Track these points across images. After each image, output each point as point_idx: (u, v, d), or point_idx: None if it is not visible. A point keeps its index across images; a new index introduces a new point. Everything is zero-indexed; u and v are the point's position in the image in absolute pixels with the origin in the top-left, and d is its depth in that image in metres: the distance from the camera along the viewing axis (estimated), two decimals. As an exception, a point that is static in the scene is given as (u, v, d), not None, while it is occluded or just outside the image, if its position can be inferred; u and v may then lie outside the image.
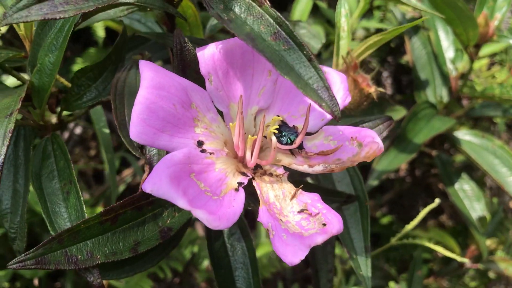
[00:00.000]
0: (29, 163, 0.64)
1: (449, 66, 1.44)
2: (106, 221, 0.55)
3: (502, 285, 2.03)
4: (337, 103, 0.45)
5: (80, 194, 0.57)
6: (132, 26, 0.87)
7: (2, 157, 0.49)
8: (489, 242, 1.48)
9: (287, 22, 0.47)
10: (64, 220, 0.57)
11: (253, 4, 0.49)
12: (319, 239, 0.48)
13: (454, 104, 1.41)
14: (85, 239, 0.53)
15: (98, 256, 0.53)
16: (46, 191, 0.58)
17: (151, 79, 0.53)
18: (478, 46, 1.23)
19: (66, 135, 1.65)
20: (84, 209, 0.57)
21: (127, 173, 1.60)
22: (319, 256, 0.78)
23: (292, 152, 0.57)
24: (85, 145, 1.86)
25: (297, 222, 0.52)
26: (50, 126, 0.66)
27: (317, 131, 0.58)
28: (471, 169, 1.59)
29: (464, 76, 1.34)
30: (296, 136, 0.56)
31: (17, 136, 0.66)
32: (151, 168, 0.59)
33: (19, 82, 0.69)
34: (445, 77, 1.43)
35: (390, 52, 1.79)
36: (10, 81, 0.99)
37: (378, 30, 1.51)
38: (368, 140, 0.54)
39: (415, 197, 2.00)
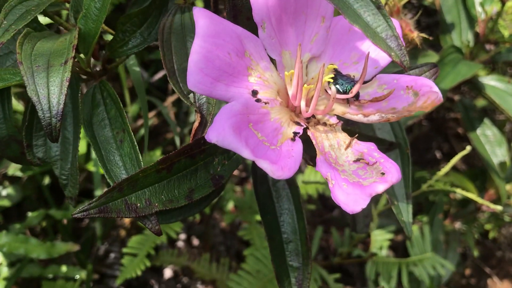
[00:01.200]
0: (77, 110, 0.64)
1: (478, 8, 1.40)
2: (162, 170, 0.55)
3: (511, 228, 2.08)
4: (406, 53, 0.45)
5: (135, 142, 0.58)
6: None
7: (61, 106, 0.49)
8: (508, 187, 1.50)
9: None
10: (120, 169, 0.57)
11: None
12: (380, 188, 0.48)
13: (480, 48, 1.39)
14: (143, 187, 0.54)
15: (156, 204, 0.54)
16: (99, 139, 0.59)
17: (207, 27, 0.52)
18: (511, -13, 1.19)
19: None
20: (140, 157, 0.57)
21: (150, 115, 1.60)
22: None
23: (347, 101, 0.56)
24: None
25: (354, 171, 0.52)
26: (96, 73, 0.65)
27: (370, 80, 0.58)
28: (492, 113, 1.58)
29: (492, 20, 1.31)
30: (353, 85, 0.55)
31: (62, 83, 0.65)
32: (202, 116, 0.59)
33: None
34: (472, 20, 1.40)
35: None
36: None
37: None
38: (425, 90, 0.54)
39: (430, 141, 2.00)
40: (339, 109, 0.57)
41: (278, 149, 0.51)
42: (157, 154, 1.33)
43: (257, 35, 0.56)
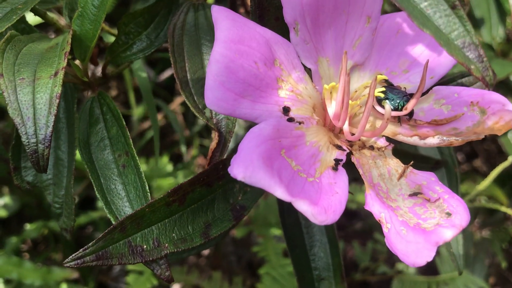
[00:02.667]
0: (73, 126, 0.54)
1: (511, 2, 1.30)
2: (174, 202, 0.46)
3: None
4: (489, 66, 0.34)
5: (141, 168, 0.48)
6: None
7: (50, 129, 0.40)
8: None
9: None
10: (122, 200, 0.47)
11: None
12: (448, 235, 0.38)
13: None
14: (150, 224, 0.45)
15: (166, 245, 0.45)
16: (98, 163, 0.49)
17: (228, 30, 0.42)
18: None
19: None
20: (147, 187, 0.47)
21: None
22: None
23: (398, 119, 0.46)
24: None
25: (410, 209, 0.42)
26: (94, 82, 0.55)
27: (425, 92, 0.48)
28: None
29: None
30: (407, 101, 0.45)
31: (56, 94, 0.55)
32: (220, 135, 0.49)
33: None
34: (503, 15, 1.29)
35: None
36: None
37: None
38: (496, 108, 0.43)
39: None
40: (389, 129, 0.47)
41: (317, 181, 0.41)
42: (164, 161, 1.23)
43: (288, 39, 0.46)
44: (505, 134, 1.36)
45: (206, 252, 1.50)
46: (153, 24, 0.55)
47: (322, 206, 0.38)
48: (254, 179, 0.36)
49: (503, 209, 0.83)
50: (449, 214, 0.40)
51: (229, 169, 0.37)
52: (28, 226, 1.12)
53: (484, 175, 1.81)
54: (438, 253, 1.19)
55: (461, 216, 0.40)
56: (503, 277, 1.85)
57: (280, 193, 0.36)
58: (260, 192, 0.51)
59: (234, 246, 1.52)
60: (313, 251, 0.57)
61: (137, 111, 1.34)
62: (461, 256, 0.59)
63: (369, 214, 0.41)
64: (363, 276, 1.15)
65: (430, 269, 1.46)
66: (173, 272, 1.10)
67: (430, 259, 0.37)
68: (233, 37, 0.42)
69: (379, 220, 0.40)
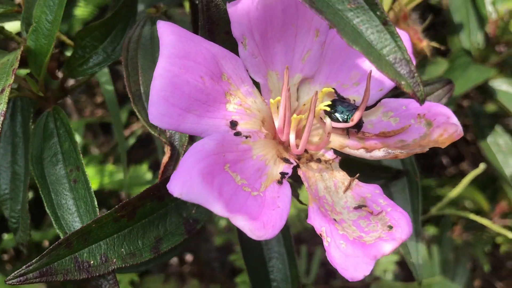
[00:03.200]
0: (29, 141, 0.54)
1: (488, 8, 1.31)
2: (122, 217, 0.46)
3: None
4: (420, 82, 0.35)
5: (90, 183, 0.48)
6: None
7: (-7, 147, 0.40)
8: (521, 199, 1.40)
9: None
10: (72, 215, 0.47)
11: None
12: (387, 248, 0.38)
13: (490, 51, 1.29)
14: (97, 240, 0.45)
15: (114, 260, 0.45)
16: (50, 178, 0.49)
17: (173, 45, 0.42)
18: (526, -14, 1.09)
19: (71, 81, 1.55)
20: (95, 202, 0.47)
21: (138, 125, 1.50)
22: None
23: (347, 132, 0.46)
24: (91, 92, 1.76)
25: (354, 222, 0.42)
26: (51, 97, 0.55)
27: (374, 105, 0.48)
28: (503, 118, 1.49)
29: (504, 20, 1.21)
30: (354, 112, 0.45)
31: (13, 109, 0.56)
32: (173, 148, 0.49)
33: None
34: (482, 20, 1.30)
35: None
36: None
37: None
38: (441, 120, 0.44)
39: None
40: (337, 141, 0.47)
41: (261, 195, 0.41)
42: (144, 169, 1.23)
43: (237, 53, 0.46)
44: (485, 138, 1.37)
45: (190, 258, 1.50)
46: (109, 37, 0.55)
47: (262, 221, 0.38)
48: (191, 196, 0.36)
49: (472, 216, 0.83)
50: (390, 227, 0.40)
51: (167, 185, 0.37)
52: (6, 236, 1.12)
53: (477, 183, 1.82)
54: (419, 283, 1.19)
55: (402, 229, 0.40)
56: (488, 280, 1.86)
57: (218, 209, 0.37)
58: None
59: (217, 252, 1.52)
60: (271, 262, 0.57)
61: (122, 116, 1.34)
62: (420, 265, 0.59)
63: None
64: (342, 282, 1.15)
65: (408, 275, 1.46)
66: (149, 281, 1.10)
67: (367, 272, 0.38)
68: (178, 52, 0.42)
69: (320, 234, 0.40)
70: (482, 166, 0.88)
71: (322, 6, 0.36)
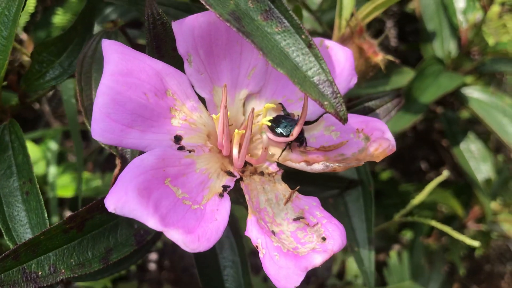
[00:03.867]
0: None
1: (459, 17, 1.33)
2: (71, 229, 0.47)
3: (500, 240, 2.01)
4: (342, 102, 0.36)
5: (41, 196, 0.49)
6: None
7: None
8: (493, 204, 1.43)
9: (280, -2, 0.37)
10: (24, 227, 0.49)
11: (239, -28, 0.39)
12: (318, 260, 0.40)
13: (463, 58, 1.32)
14: (47, 251, 0.46)
15: (63, 270, 0.46)
16: (3, 191, 0.50)
17: (116, 63, 0.43)
18: (493, -4, 1.11)
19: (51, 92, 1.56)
20: (46, 214, 0.49)
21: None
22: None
23: (289, 145, 0.48)
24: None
25: (292, 233, 0.44)
26: (9, 109, 0.57)
27: (316, 120, 0.50)
28: (477, 125, 1.52)
29: (475, 28, 1.24)
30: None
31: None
32: (124, 161, 0.51)
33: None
34: (454, 29, 1.33)
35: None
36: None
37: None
38: (377, 135, 0.46)
39: (416, 151, 1.93)
40: (282, 155, 0.49)
41: (201, 208, 0.43)
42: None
43: (184, 70, 0.48)
44: (458, 145, 1.40)
45: (168, 263, 1.51)
46: (66, 52, 0.57)
47: (197, 235, 0.40)
48: (125, 211, 0.38)
49: (433, 223, 0.85)
50: (324, 239, 0.42)
51: (104, 200, 0.39)
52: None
53: (451, 183, 1.85)
54: (386, 265, 1.21)
55: (334, 241, 0.42)
56: (466, 285, 1.89)
57: (152, 223, 0.38)
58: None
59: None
60: (226, 271, 0.59)
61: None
62: (372, 273, 0.61)
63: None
64: (314, 288, 1.17)
65: (381, 278, 1.48)
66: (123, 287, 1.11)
67: (297, 284, 0.39)
68: (120, 70, 0.43)
69: (256, 246, 0.41)
70: (445, 173, 0.90)
71: (252, 29, 0.37)
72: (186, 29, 0.47)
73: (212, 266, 0.58)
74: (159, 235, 0.54)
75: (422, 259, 1.32)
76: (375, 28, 0.70)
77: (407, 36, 1.80)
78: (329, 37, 0.71)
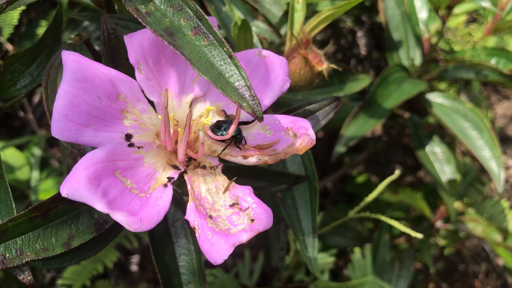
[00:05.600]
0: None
1: (422, 27, 1.41)
2: (36, 217, 0.54)
3: (475, 240, 2.08)
4: (258, 103, 0.44)
5: (9, 189, 0.56)
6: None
7: None
8: (458, 204, 1.50)
9: (206, 17, 0.44)
10: (-6, 216, 0.55)
11: (173, -6, 0.46)
12: (244, 237, 0.47)
13: (426, 66, 1.39)
14: (14, 236, 0.52)
15: (28, 253, 0.53)
16: (-25, 185, 0.57)
17: (73, 71, 0.50)
18: (450, 8, 1.19)
19: (36, 98, 1.62)
20: (14, 205, 0.55)
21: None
22: (271, 234, 0.78)
23: (227, 143, 0.55)
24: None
25: (228, 217, 0.51)
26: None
27: (253, 120, 0.57)
28: (444, 130, 1.58)
29: (437, 37, 1.31)
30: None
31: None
32: (85, 159, 0.57)
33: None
34: (418, 38, 1.40)
35: (365, 10, 1.74)
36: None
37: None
38: (302, 132, 0.53)
39: (391, 155, 2.00)
40: (221, 151, 0.56)
41: (147, 196, 0.50)
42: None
43: (135, 76, 0.55)
44: (423, 148, 1.47)
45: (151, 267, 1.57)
46: (35, 63, 0.64)
47: (139, 217, 0.46)
48: (76, 196, 0.45)
49: (383, 218, 0.91)
50: (252, 220, 0.49)
51: (60, 187, 0.45)
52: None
53: (427, 184, 1.92)
54: (350, 261, 1.28)
55: (261, 221, 0.49)
56: (439, 284, 1.95)
57: (99, 207, 0.45)
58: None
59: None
60: (181, 258, 0.65)
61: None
62: (315, 258, 0.68)
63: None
64: (283, 284, 1.23)
65: (344, 275, 1.55)
66: (99, 285, 1.17)
67: (226, 257, 0.46)
68: (77, 77, 0.50)
69: (193, 227, 0.48)
70: (397, 172, 0.96)
71: (183, 43, 0.44)
72: (136, 42, 0.54)
73: (169, 254, 0.65)
74: (119, 225, 0.61)
75: (387, 256, 1.38)
76: (326, 53, 0.77)
77: (382, 44, 1.88)
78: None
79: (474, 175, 1.66)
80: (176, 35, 0.44)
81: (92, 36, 0.88)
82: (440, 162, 1.45)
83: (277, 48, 0.98)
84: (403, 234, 1.66)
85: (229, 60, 0.44)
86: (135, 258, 1.62)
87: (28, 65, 0.63)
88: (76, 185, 0.45)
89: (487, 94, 2.27)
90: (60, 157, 1.56)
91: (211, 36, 0.44)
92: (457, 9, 1.34)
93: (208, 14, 0.81)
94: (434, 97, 1.40)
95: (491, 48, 1.21)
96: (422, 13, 1.41)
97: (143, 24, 0.44)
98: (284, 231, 0.78)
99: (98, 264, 1.14)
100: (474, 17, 1.84)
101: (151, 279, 1.50)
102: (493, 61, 1.18)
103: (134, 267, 1.61)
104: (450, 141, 1.60)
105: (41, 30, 1.43)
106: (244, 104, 0.43)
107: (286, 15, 1.12)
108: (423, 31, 1.38)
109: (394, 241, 1.62)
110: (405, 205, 1.80)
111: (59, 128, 0.49)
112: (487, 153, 1.28)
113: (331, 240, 1.47)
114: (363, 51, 1.74)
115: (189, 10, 0.45)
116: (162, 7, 0.46)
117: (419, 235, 0.87)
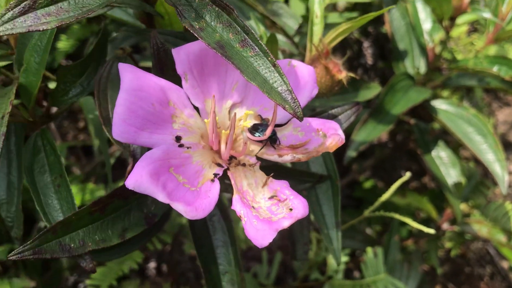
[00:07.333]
0: (21, 156, 0.69)
1: (426, 37, 1.47)
2: (95, 212, 0.60)
3: (479, 244, 2.13)
4: (299, 105, 0.50)
5: (70, 187, 0.63)
6: (113, 15, 0.90)
7: (-3, 158, 0.54)
8: (463, 206, 1.55)
9: (252, 31, 0.51)
10: (57, 212, 0.62)
11: (222, 12, 0.53)
12: (286, 223, 0.53)
13: (431, 74, 1.45)
14: (76, 229, 0.59)
15: (90, 244, 0.59)
16: (39, 184, 0.63)
17: (130, 81, 0.57)
18: (453, 19, 1.25)
19: (54, 109, 1.69)
20: (75, 201, 0.62)
21: (115, 148, 1.64)
22: (296, 230, 0.85)
23: (264, 143, 0.62)
24: (73, 117, 1.90)
25: (268, 208, 0.57)
26: (38, 121, 0.70)
27: (286, 123, 0.64)
28: (448, 135, 1.64)
29: (442, 46, 1.38)
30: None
31: (7, 131, 0.70)
32: (134, 161, 0.64)
33: None
34: (423, 48, 1.47)
35: (371, 22, 1.81)
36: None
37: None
38: (331, 132, 0.60)
39: (396, 161, 2.06)
40: (258, 150, 0.63)
41: (197, 190, 0.56)
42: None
43: (181, 85, 0.61)
44: (429, 152, 1.53)
45: (166, 269, 1.63)
46: (85, 74, 0.71)
47: (195, 206, 0.53)
48: (141, 188, 0.51)
49: (396, 216, 0.98)
50: (291, 210, 0.56)
51: (125, 182, 0.52)
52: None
53: (432, 189, 1.97)
54: (360, 264, 1.34)
55: (298, 210, 0.55)
56: (445, 286, 2.00)
57: (161, 197, 0.52)
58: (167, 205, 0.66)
59: (191, 263, 1.65)
60: (219, 249, 0.72)
61: (97, 141, 1.48)
62: (339, 250, 0.74)
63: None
64: (299, 283, 1.29)
65: (354, 278, 1.60)
66: (127, 285, 1.23)
67: (271, 240, 0.52)
68: (133, 86, 0.57)
69: (240, 216, 0.55)
70: (408, 174, 1.03)
71: (232, 54, 0.51)
72: (183, 55, 0.61)
73: (207, 246, 0.71)
74: (164, 218, 0.68)
75: (397, 256, 1.44)
76: (344, 62, 0.84)
77: (385, 55, 1.95)
78: (303, 57, 0.86)
79: (478, 179, 1.71)
80: (226, 47, 0.51)
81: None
82: (445, 166, 1.51)
83: (293, 58, 1.05)
84: (410, 236, 1.72)
85: (272, 68, 0.51)
86: (151, 263, 1.67)
87: (79, 76, 0.70)
88: (140, 180, 0.51)
89: (489, 101, 2.34)
90: (83, 164, 1.63)
91: (256, 48, 0.51)
92: (460, 20, 1.42)
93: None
94: (439, 104, 1.46)
95: (493, 56, 1.28)
96: (426, 24, 1.48)
97: (198, 38, 0.51)
98: (307, 227, 0.85)
99: (123, 265, 1.19)
100: (475, 27, 1.92)
101: (170, 283, 1.55)
102: (495, 69, 1.25)
103: (151, 271, 1.66)
104: (455, 146, 1.66)
105: (61, 44, 1.50)
106: (287, 106, 0.50)
107: (299, 28, 1.19)
108: (427, 41, 1.45)
109: (402, 243, 1.67)
110: (412, 209, 1.85)
111: (119, 131, 0.56)
112: (491, 156, 1.33)
113: (342, 243, 1.53)
114: (369, 60, 1.81)
115: (237, 26, 0.52)
116: (212, 23, 0.53)
117: (431, 231, 0.94)
